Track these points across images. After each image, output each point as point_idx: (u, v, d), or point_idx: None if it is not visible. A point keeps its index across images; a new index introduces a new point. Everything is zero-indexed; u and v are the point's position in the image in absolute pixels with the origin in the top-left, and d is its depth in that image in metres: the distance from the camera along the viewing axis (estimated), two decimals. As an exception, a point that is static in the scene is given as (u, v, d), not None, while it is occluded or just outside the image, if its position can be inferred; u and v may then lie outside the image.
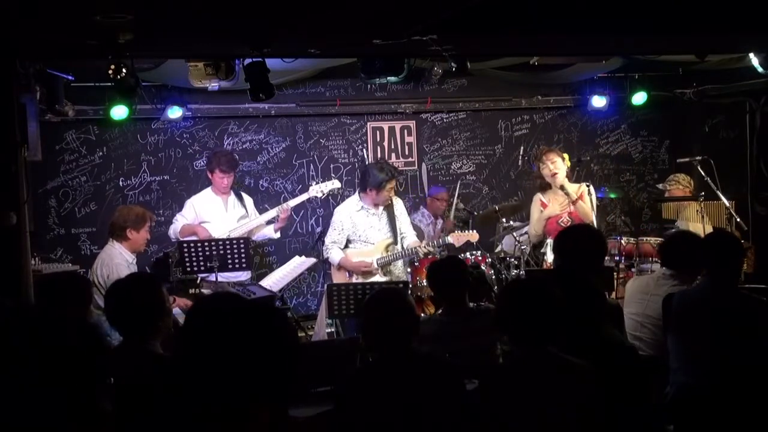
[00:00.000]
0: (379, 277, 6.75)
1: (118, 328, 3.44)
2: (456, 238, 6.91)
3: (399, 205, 7.03)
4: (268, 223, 7.36)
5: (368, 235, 6.83)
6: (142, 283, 3.56)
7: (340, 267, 6.86)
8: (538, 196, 6.89)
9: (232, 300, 2.40)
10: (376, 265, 6.76)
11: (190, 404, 1.94)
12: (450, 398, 3.34)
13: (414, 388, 3.29)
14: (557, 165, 6.68)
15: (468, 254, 7.13)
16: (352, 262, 6.78)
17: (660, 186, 8.22)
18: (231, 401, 2.02)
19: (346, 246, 6.89)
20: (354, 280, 6.71)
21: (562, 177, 6.69)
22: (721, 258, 4.26)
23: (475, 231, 7.03)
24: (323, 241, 7.16)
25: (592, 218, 6.63)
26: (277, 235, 7.43)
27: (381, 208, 6.86)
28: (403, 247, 6.86)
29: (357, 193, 6.96)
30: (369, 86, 8.55)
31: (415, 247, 6.78)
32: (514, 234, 7.34)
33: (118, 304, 3.42)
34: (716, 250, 4.30)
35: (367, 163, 8.21)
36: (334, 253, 6.85)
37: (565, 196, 6.69)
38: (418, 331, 3.49)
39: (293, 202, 7.38)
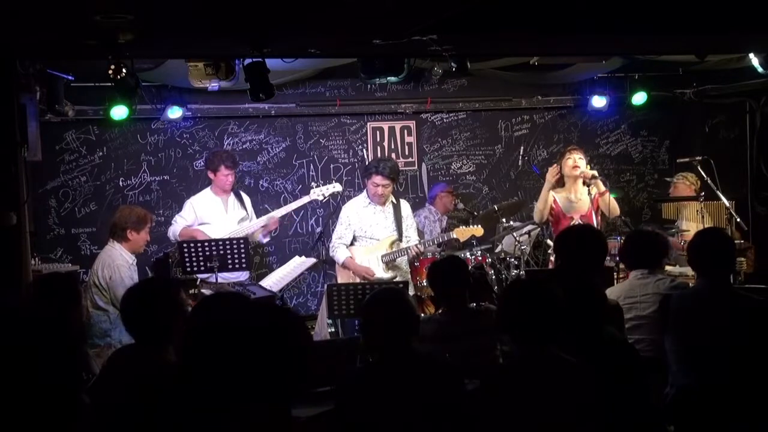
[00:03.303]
0: (384, 274, 6.78)
1: (135, 334, 3.36)
2: (461, 233, 6.93)
3: (406, 208, 7.07)
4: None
5: (373, 232, 6.86)
6: (160, 289, 3.46)
7: (345, 266, 6.88)
8: (551, 193, 6.98)
9: (234, 300, 2.41)
10: (380, 272, 6.77)
11: (195, 403, 1.94)
12: (450, 398, 3.34)
13: (414, 388, 3.29)
14: (583, 162, 6.86)
15: (468, 254, 7.13)
16: (356, 266, 6.79)
17: (667, 179, 8.25)
18: (233, 400, 2.01)
19: (352, 243, 6.91)
20: (358, 279, 6.72)
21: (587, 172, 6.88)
22: (715, 258, 4.20)
23: (479, 225, 7.05)
24: (324, 241, 7.16)
25: (618, 212, 6.91)
26: (267, 239, 7.51)
27: (388, 205, 6.88)
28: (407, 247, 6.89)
29: (365, 190, 7.02)
30: (369, 86, 8.55)
31: (410, 247, 6.80)
32: (514, 234, 7.34)
33: (138, 310, 3.33)
34: (710, 250, 4.22)
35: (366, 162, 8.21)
36: (339, 252, 6.88)
37: (577, 199, 6.84)
38: (418, 331, 3.49)
39: (283, 210, 7.46)
